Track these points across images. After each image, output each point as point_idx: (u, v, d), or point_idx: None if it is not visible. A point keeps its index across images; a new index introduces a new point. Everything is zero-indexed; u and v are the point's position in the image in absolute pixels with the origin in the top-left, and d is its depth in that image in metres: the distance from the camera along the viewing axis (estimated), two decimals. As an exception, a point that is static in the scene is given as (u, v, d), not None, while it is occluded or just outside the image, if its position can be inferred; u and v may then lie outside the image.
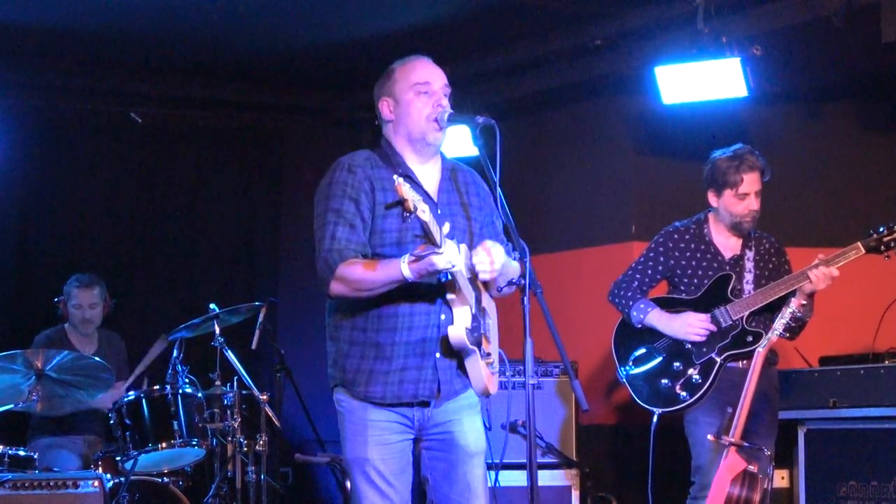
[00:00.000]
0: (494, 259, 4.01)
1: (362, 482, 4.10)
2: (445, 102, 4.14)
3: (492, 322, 4.24)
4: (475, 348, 4.06)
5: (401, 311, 4.05)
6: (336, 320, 4.17)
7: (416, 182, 4.13)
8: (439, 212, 4.12)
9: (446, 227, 3.85)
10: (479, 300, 4.14)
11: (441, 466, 4.18)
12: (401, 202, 3.70)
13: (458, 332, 4.01)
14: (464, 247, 4.06)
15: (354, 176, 4.09)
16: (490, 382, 4.14)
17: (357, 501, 4.14)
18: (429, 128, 4.13)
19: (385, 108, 4.21)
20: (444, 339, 4.06)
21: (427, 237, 3.79)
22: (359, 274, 3.99)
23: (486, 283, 4.19)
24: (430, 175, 4.20)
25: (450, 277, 3.95)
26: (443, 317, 4.06)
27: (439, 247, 3.78)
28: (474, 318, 4.06)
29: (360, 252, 4.04)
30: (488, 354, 4.14)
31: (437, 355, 4.08)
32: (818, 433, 6.47)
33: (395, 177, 3.75)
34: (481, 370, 4.10)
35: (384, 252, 4.04)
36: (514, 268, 4.20)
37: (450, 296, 4.03)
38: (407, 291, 4.01)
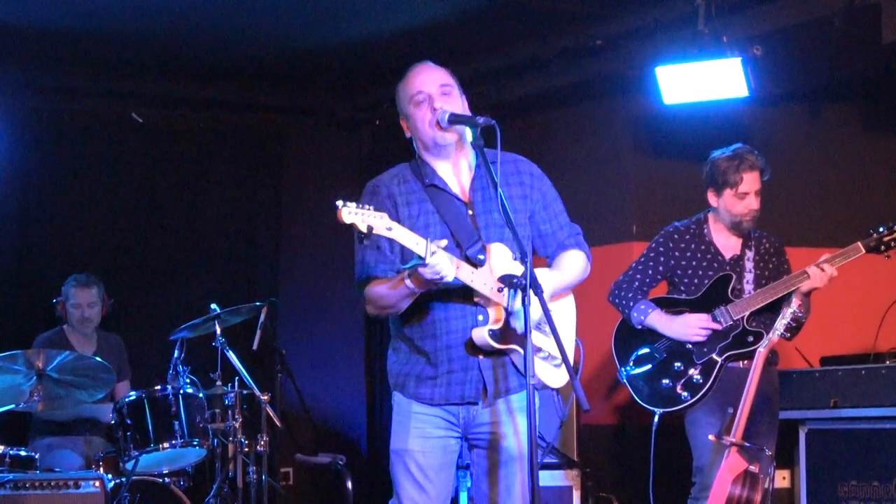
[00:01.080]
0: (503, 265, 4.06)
1: (401, 473, 4.16)
2: (440, 103, 4.15)
3: (539, 317, 4.15)
4: (512, 346, 4.07)
5: (437, 317, 4.11)
6: (394, 332, 4.27)
7: (443, 189, 4.16)
8: (470, 213, 4.16)
9: (443, 242, 3.88)
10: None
11: (484, 465, 4.21)
12: (349, 227, 3.74)
13: (480, 332, 4.06)
14: (499, 245, 4.10)
15: (378, 196, 4.16)
16: (547, 377, 4.17)
17: (395, 492, 4.19)
18: (433, 133, 4.16)
19: (405, 126, 4.28)
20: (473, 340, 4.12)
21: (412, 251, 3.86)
22: (375, 293, 4.10)
23: None
24: (461, 176, 4.22)
25: (466, 283, 3.99)
26: (480, 317, 4.10)
27: (423, 258, 3.82)
28: (510, 315, 4.07)
29: (391, 271, 4.11)
30: (540, 349, 4.15)
31: (481, 356, 4.12)
32: (819, 433, 6.47)
33: (337, 202, 3.76)
34: (534, 365, 4.10)
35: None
36: (580, 268, 4.30)
37: (476, 297, 4.08)
38: (440, 298, 4.09)
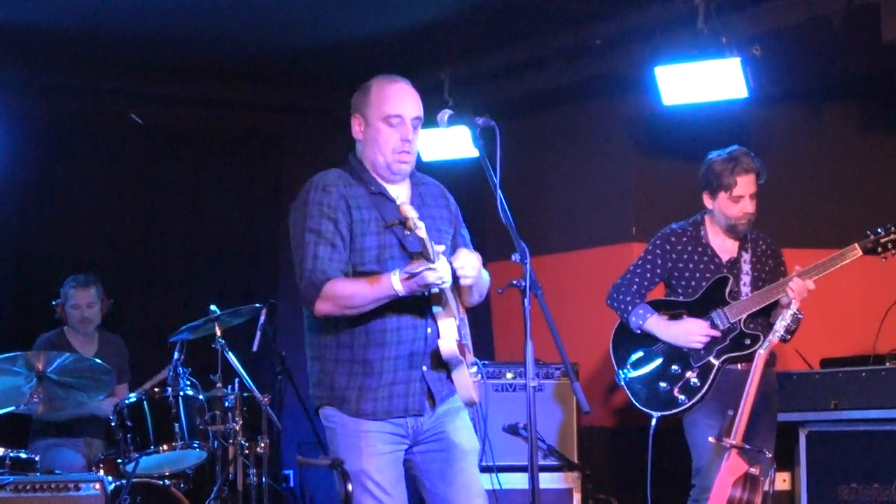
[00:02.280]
0: (474, 264, 4.06)
1: (361, 493, 4.10)
2: (412, 136, 4.13)
3: (467, 332, 4.27)
4: (463, 359, 4.10)
5: (388, 325, 4.07)
6: (319, 339, 4.17)
7: (389, 199, 4.13)
8: None
9: (442, 247, 3.88)
10: (459, 310, 4.19)
11: (437, 467, 4.20)
12: (403, 221, 3.76)
13: (449, 344, 4.06)
14: (444, 258, 4.09)
15: (330, 195, 4.10)
16: (474, 391, 4.18)
17: None
18: (393, 160, 4.14)
19: (356, 125, 4.22)
20: (434, 353, 4.09)
21: (422, 253, 3.84)
22: (348, 291, 4.01)
23: (460, 294, 4.22)
24: (401, 191, 4.21)
25: (438, 290, 3.99)
26: (429, 330, 4.10)
27: (433, 262, 3.81)
28: (459, 329, 4.10)
29: (343, 270, 4.07)
30: (472, 364, 4.17)
31: (424, 368, 4.11)
32: (819, 435, 6.46)
33: (395, 196, 3.83)
34: (468, 380, 4.14)
35: (365, 269, 4.06)
36: (486, 281, 4.28)
37: (436, 308, 4.07)
38: (393, 306, 4.04)
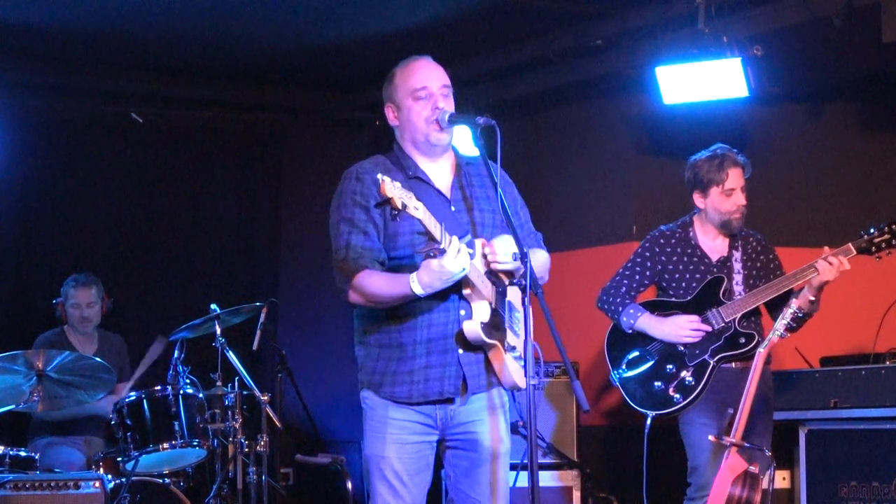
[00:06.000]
0: (506, 249, 4.03)
1: (377, 479, 4.12)
2: (443, 103, 4.15)
3: (520, 315, 4.19)
4: (495, 342, 4.07)
5: (419, 309, 4.06)
6: (363, 325, 4.21)
7: (427, 182, 4.16)
8: (453, 209, 4.16)
9: (456, 239, 3.84)
10: (503, 293, 4.15)
11: (463, 465, 4.19)
12: (387, 201, 3.72)
13: (472, 326, 4.03)
14: (480, 241, 4.08)
15: (363, 183, 4.12)
16: (518, 376, 4.13)
17: (371, 497, 4.16)
18: (429, 130, 4.15)
19: (390, 113, 4.26)
20: (464, 334, 4.07)
21: (427, 233, 3.81)
22: (373, 288, 4.03)
23: (510, 275, 4.17)
24: (442, 173, 4.22)
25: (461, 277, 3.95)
26: (462, 312, 4.07)
27: (439, 242, 3.79)
28: (494, 312, 4.07)
29: (376, 258, 4.09)
30: (513, 348, 4.14)
31: (460, 351, 4.09)
32: (819, 434, 6.46)
33: (378, 175, 3.76)
34: (506, 364, 4.11)
35: (398, 255, 4.08)
36: (543, 260, 4.27)
37: (465, 291, 4.05)
38: None
